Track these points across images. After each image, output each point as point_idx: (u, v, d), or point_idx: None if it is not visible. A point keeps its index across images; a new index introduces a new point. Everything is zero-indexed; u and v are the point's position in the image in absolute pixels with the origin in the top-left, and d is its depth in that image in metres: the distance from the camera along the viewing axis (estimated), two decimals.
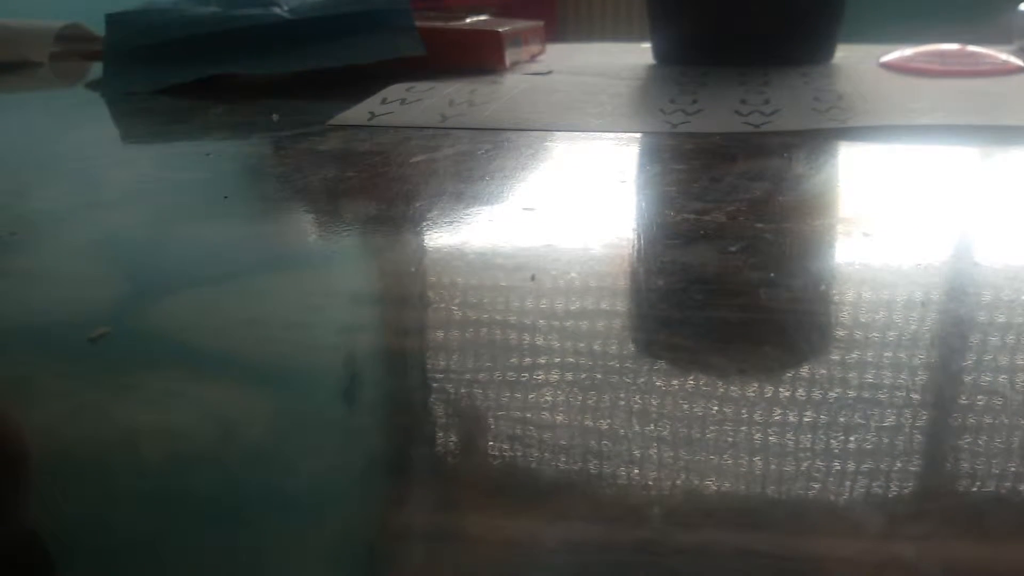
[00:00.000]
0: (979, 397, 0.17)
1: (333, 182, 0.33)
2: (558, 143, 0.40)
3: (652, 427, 0.16)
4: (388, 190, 0.32)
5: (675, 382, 0.18)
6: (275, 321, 0.21)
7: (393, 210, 0.30)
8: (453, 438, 0.16)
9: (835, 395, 0.17)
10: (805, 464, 0.15)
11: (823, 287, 0.23)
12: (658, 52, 0.64)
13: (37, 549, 0.14)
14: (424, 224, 0.28)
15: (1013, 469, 0.15)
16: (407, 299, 0.23)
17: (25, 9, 0.89)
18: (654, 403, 0.17)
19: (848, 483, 0.14)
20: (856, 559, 0.13)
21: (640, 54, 0.66)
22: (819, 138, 0.39)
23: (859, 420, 0.16)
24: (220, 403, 0.17)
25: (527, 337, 0.20)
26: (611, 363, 0.19)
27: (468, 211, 0.29)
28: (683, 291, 0.22)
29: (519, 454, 0.15)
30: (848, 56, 0.63)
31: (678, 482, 0.15)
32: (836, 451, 0.15)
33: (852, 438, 0.16)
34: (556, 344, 0.20)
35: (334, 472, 0.15)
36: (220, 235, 0.28)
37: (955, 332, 0.20)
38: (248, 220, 0.30)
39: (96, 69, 0.66)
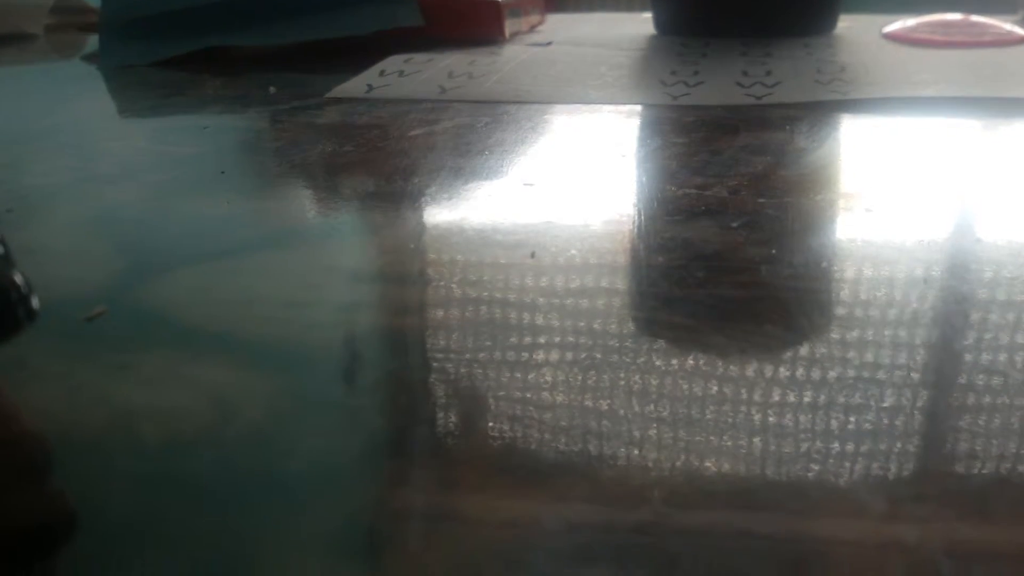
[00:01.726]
0: (980, 376, 0.17)
1: (331, 156, 0.33)
2: (558, 116, 0.39)
3: (652, 407, 0.16)
4: (386, 165, 0.32)
5: (675, 361, 0.18)
6: (273, 299, 0.21)
7: (392, 185, 0.29)
8: (453, 418, 0.16)
9: (836, 374, 0.17)
10: (806, 445, 0.15)
11: (825, 264, 0.22)
12: (659, 23, 0.63)
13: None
14: (423, 200, 0.28)
15: (1014, 449, 0.15)
16: (406, 277, 0.23)
17: None
18: (654, 383, 0.17)
19: (849, 464, 0.14)
20: (857, 540, 0.13)
21: (641, 24, 0.65)
22: (821, 110, 0.39)
23: (860, 400, 0.16)
24: (218, 383, 0.17)
25: (527, 315, 0.20)
26: (611, 342, 0.19)
27: (467, 186, 0.29)
28: (684, 268, 0.22)
29: (519, 434, 0.15)
30: (851, 27, 0.63)
31: (678, 463, 0.14)
32: (837, 431, 0.15)
33: (853, 418, 0.16)
34: (556, 323, 0.19)
35: (333, 453, 0.15)
36: (217, 211, 0.27)
37: (957, 310, 0.20)
38: (246, 195, 0.29)
39: (92, 41, 0.66)
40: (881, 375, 0.17)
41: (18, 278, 0.15)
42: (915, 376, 0.17)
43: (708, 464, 0.14)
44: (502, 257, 0.23)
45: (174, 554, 0.13)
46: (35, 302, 0.15)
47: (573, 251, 0.23)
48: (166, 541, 0.13)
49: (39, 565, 0.13)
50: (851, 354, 0.18)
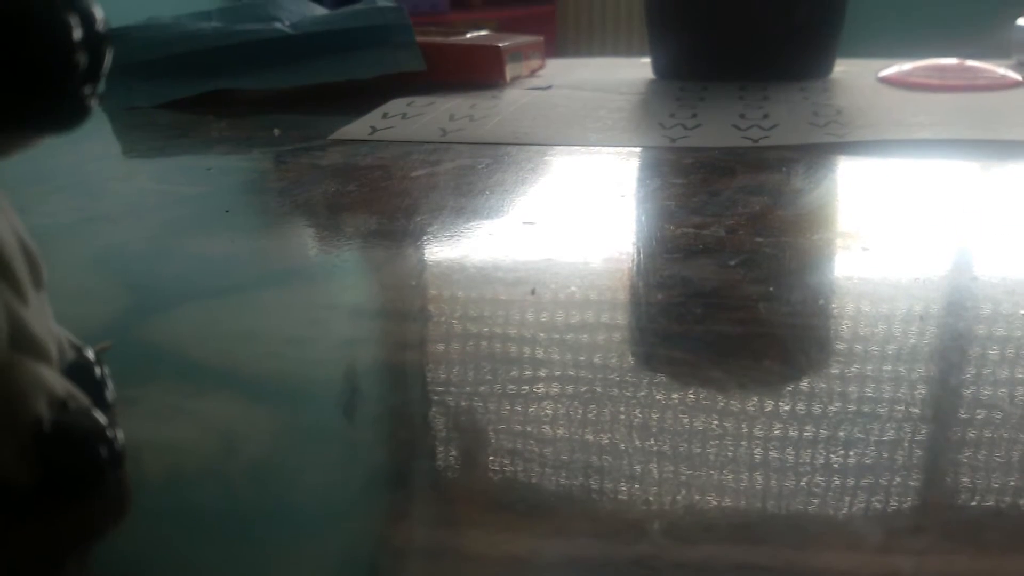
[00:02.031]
0: (978, 411, 0.17)
1: (334, 196, 0.33)
2: (558, 157, 0.40)
3: (652, 441, 0.16)
4: (389, 204, 0.32)
5: (675, 396, 0.18)
6: (276, 335, 0.21)
7: (394, 224, 0.30)
8: (453, 452, 0.16)
9: (835, 409, 0.17)
10: (805, 479, 0.15)
11: (822, 301, 0.23)
12: (658, 67, 0.64)
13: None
14: (425, 238, 0.28)
15: (1012, 483, 0.15)
16: (408, 313, 0.23)
17: None
18: (654, 417, 0.17)
19: (847, 497, 0.14)
20: (855, 572, 0.13)
21: (640, 69, 0.66)
22: (818, 152, 0.39)
23: (858, 434, 0.16)
24: (221, 417, 0.17)
25: (527, 350, 0.20)
26: (611, 377, 0.19)
27: (468, 225, 0.29)
28: (682, 305, 0.22)
29: (519, 468, 0.15)
30: (847, 71, 0.63)
31: (678, 497, 0.15)
32: (835, 465, 0.15)
33: (851, 452, 0.16)
34: (556, 357, 0.20)
35: (334, 487, 0.15)
36: (221, 249, 0.28)
37: (954, 346, 0.20)
38: (249, 234, 0.30)
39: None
40: (880, 410, 0.17)
41: (108, 426, 0.15)
42: (913, 411, 0.17)
43: (708, 498, 0.15)
44: (503, 293, 0.23)
45: None
46: (119, 444, 0.15)
47: (573, 288, 0.24)
48: (168, 573, 0.13)
49: None
50: (850, 389, 0.18)
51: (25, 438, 0.14)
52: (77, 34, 0.13)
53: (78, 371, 0.16)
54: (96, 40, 0.13)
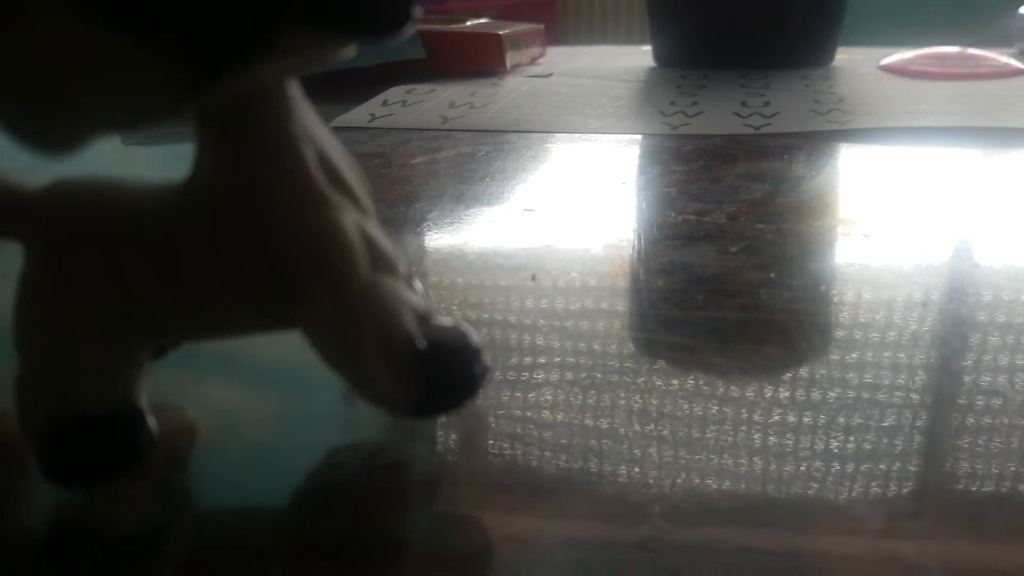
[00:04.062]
0: (979, 397, 0.17)
1: None
2: (558, 145, 0.40)
3: (652, 426, 0.16)
4: (389, 191, 0.32)
5: (675, 382, 0.18)
6: None
7: (394, 211, 0.30)
8: (453, 436, 0.16)
9: (835, 395, 0.17)
10: (805, 463, 0.15)
11: (823, 287, 0.23)
12: (658, 55, 0.64)
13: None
14: (425, 225, 0.28)
15: (1013, 469, 0.15)
16: None
17: None
18: (654, 402, 0.17)
19: (848, 482, 0.14)
20: (856, 556, 0.13)
21: (640, 57, 0.66)
22: (819, 140, 0.39)
23: (859, 420, 0.16)
24: (223, 402, 0.17)
25: (528, 337, 0.20)
26: (611, 363, 0.19)
27: (468, 212, 0.29)
28: (683, 291, 0.22)
29: (520, 452, 0.15)
30: (848, 59, 0.63)
31: (678, 480, 0.15)
32: (836, 451, 0.15)
33: (852, 438, 0.16)
34: (557, 344, 0.20)
35: (335, 471, 0.15)
36: None
37: (955, 332, 0.20)
38: None
39: None
40: (880, 396, 0.17)
41: (472, 338, 0.14)
42: (914, 397, 0.17)
43: (708, 482, 0.14)
44: (503, 280, 0.23)
45: (176, 569, 0.13)
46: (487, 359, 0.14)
47: (573, 274, 0.24)
48: (168, 556, 0.13)
49: None
50: (850, 375, 0.18)
51: (402, 358, 0.13)
52: None
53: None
54: None
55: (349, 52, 0.13)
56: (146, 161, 0.39)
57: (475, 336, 0.14)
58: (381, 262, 0.14)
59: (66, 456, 0.14)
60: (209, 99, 0.11)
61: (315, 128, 0.14)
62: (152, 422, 0.14)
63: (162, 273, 0.14)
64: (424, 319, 0.14)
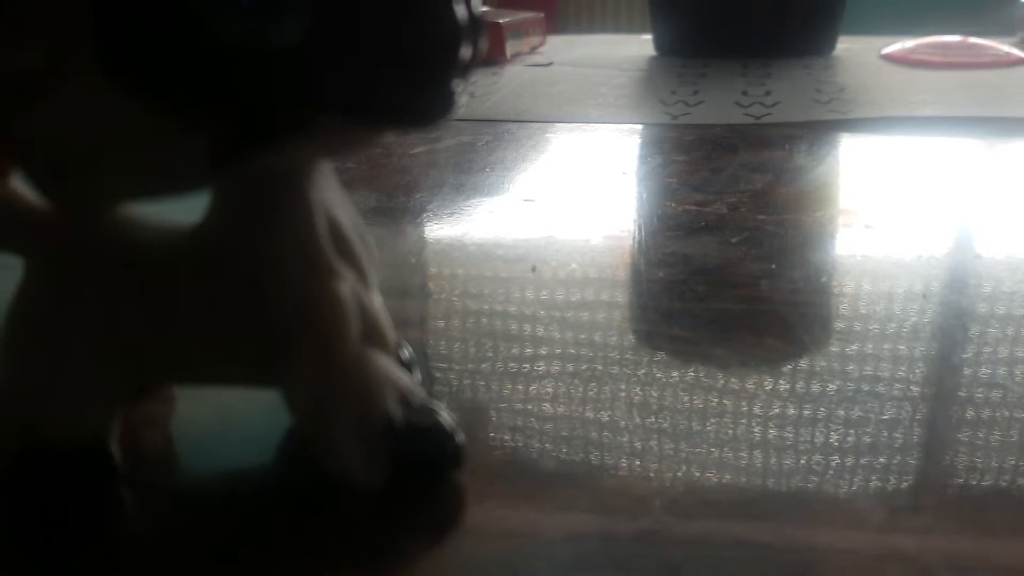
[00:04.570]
0: (979, 390, 0.17)
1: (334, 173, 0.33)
2: (559, 134, 0.40)
3: (653, 419, 0.16)
4: (389, 181, 0.32)
5: (676, 374, 0.18)
6: None
7: (393, 201, 0.30)
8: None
9: (836, 387, 0.17)
10: (806, 457, 0.15)
11: (824, 278, 0.22)
12: (659, 44, 0.64)
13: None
14: (425, 215, 0.28)
15: (1013, 462, 0.15)
16: (408, 290, 0.23)
17: None
18: (655, 395, 0.17)
19: (849, 475, 0.14)
20: (857, 550, 0.13)
21: (641, 46, 0.66)
22: (820, 129, 0.39)
23: (860, 413, 0.16)
24: (220, 393, 0.17)
25: (528, 328, 0.20)
26: (612, 354, 0.19)
27: (468, 202, 0.29)
28: (684, 282, 0.22)
29: (520, 445, 0.15)
30: (850, 48, 0.63)
31: (679, 473, 0.15)
32: (837, 444, 0.15)
33: (853, 431, 0.16)
34: (557, 335, 0.20)
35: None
36: None
37: (956, 324, 0.20)
38: None
39: None
40: (880, 388, 0.17)
41: (447, 420, 0.14)
42: (914, 389, 0.17)
43: (709, 475, 0.14)
44: (503, 271, 0.23)
45: (174, 561, 0.13)
46: (461, 440, 0.14)
47: (574, 265, 0.23)
48: (167, 547, 0.13)
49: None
50: (851, 367, 0.18)
51: (377, 436, 0.14)
52: (463, 23, 0.11)
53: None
54: (476, 29, 0.12)
55: (386, 139, 0.13)
56: None
57: (450, 418, 0.14)
58: (373, 335, 0.14)
59: (28, 488, 0.14)
60: (236, 174, 0.12)
61: (332, 195, 0.14)
62: (117, 462, 0.14)
63: (155, 320, 0.14)
64: (405, 398, 0.14)
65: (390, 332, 0.15)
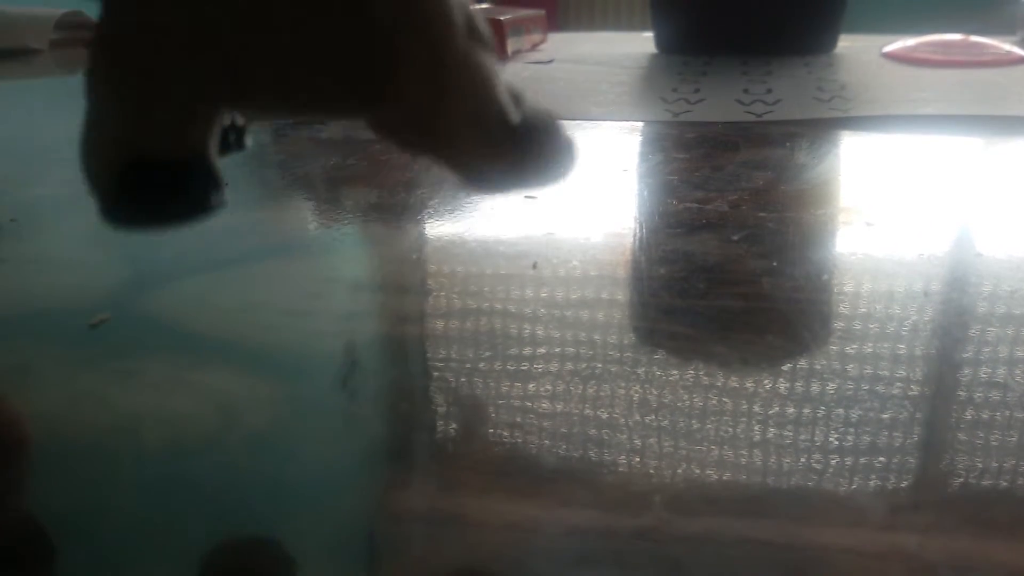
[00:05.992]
0: (979, 389, 0.17)
1: (334, 170, 0.33)
2: None
3: (653, 417, 0.16)
4: (389, 178, 0.32)
5: (676, 372, 0.18)
6: (276, 308, 0.21)
7: (394, 198, 0.29)
8: (454, 425, 0.16)
9: (836, 386, 0.17)
10: (806, 455, 0.15)
11: (825, 276, 0.22)
12: (660, 41, 0.64)
13: (36, 536, 0.14)
14: (425, 212, 0.28)
15: (1013, 462, 0.15)
16: (408, 287, 0.23)
17: None
18: (655, 392, 0.17)
19: (849, 474, 0.14)
20: (857, 549, 0.13)
21: (642, 43, 0.66)
22: (822, 127, 0.39)
23: (860, 412, 0.16)
24: (221, 389, 0.17)
25: (528, 326, 0.20)
26: (612, 352, 0.19)
27: (469, 199, 0.29)
28: (685, 280, 0.22)
29: (520, 442, 0.15)
30: (851, 46, 0.63)
31: (679, 471, 0.14)
32: (837, 442, 0.15)
33: (853, 430, 0.16)
34: (557, 333, 0.20)
35: (335, 458, 0.15)
36: (221, 223, 0.27)
37: (956, 323, 0.20)
38: (249, 208, 0.30)
39: None
40: (880, 387, 0.17)
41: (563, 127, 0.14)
42: (914, 388, 0.17)
43: (709, 472, 0.14)
44: (504, 268, 0.23)
45: (175, 557, 0.13)
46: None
47: (575, 262, 0.23)
48: (167, 544, 0.13)
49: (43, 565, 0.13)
50: (851, 366, 0.18)
51: (497, 129, 0.13)
52: None
53: None
54: None
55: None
56: None
57: (562, 123, 0.14)
58: (477, 36, 0.14)
59: (135, 202, 0.13)
60: None
61: None
62: (221, 178, 0.14)
63: (251, 28, 0.13)
64: (517, 96, 0.14)
65: (488, 33, 0.14)
